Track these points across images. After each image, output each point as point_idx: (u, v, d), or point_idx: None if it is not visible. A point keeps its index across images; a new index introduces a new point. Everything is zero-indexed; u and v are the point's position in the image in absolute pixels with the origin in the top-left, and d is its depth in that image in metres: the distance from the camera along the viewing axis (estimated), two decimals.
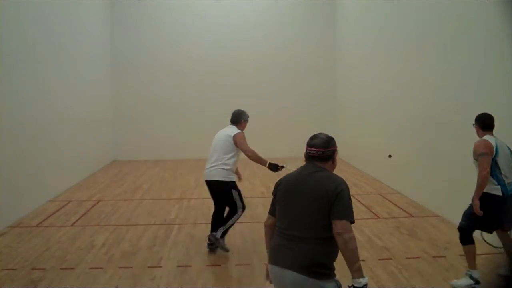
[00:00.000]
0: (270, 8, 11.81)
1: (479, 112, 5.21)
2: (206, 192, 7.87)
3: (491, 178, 3.78)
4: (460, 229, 3.91)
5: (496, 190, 3.76)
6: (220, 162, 4.85)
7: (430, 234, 5.29)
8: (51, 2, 7.51)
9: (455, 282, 3.88)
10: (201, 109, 11.67)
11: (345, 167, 10.17)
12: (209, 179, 4.82)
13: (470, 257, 3.88)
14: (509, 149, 3.92)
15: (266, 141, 11.79)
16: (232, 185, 4.72)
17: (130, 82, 11.52)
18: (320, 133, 2.58)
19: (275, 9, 11.82)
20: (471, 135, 5.25)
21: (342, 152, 11.25)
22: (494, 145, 3.80)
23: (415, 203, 6.70)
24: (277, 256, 2.37)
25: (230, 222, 4.73)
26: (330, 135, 2.61)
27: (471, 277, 3.83)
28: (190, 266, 4.40)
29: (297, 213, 2.36)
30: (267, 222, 2.59)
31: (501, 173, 3.79)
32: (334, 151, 2.53)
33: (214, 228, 4.77)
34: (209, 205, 6.79)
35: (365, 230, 5.47)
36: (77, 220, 6.01)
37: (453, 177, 5.69)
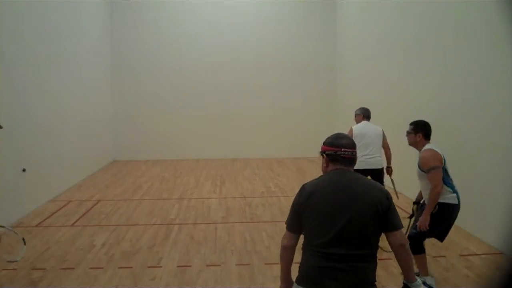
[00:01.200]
0: (270, 8, 11.81)
1: (479, 112, 5.21)
2: (206, 192, 7.93)
3: (445, 187, 3.65)
4: (410, 237, 3.64)
5: (453, 199, 3.66)
6: (380, 154, 5.51)
7: None
8: (51, 2, 7.51)
9: None
10: (201, 109, 11.67)
11: None
12: (373, 167, 5.33)
13: (423, 265, 3.82)
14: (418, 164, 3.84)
15: (266, 141, 11.82)
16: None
17: (130, 82, 11.52)
18: (341, 133, 2.34)
19: (275, 9, 11.82)
20: (471, 135, 5.27)
21: None
22: (441, 153, 3.76)
23: None
24: (319, 280, 2.04)
25: None
26: (327, 135, 2.37)
27: (424, 283, 3.65)
28: (190, 266, 4.40)
29: (344, 228, 2.03)
30: (289, 243, 2.17)
31: (451, 180, 3.71)
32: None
33: None
34: (209, 205, 6.81)
35: None
36: (77, 220, 6.01)
37: (453, 177, 5.68)
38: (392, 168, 5.73)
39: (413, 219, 3.96)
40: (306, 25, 11.89)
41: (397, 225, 2.09)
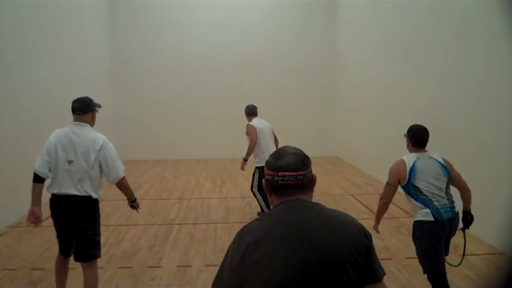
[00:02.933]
0: (270, 8, 11.82)
1: (479, 112, 5.20)
2: (206, 192, 7.94)
3: (416, 203, 3.36)
4: (430, 275, 3.44)
5: (427, 216, 3.28)
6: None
7: None
8: (51, 2, 7.51)
9: None
10: (201, 109, 11.68)
11: (345, 167, 10.17)
12: None
13: None
14: (443, 166, 3.48)
15: None
16: None
17: (130, 82, 11.53)
18: (287, 147, 1.61)
19: (275, 9, 11.82)
20: (471, 136, 5.27)
21: (342, 152, 11.33)
22: (409, 168, 3.39)
23: None
24: None
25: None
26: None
27: None
28: (190, 266, 4.40)
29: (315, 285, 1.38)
30: None
31: (425, 195, 3.33)
32: (311, 173, 1.57)
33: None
34: (209, 205, 6.81)
35: None
36: None
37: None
38: None
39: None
40: (306, 25, 11.89)
41: (380, 275, 1.54)
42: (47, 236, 5.33)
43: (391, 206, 6.66)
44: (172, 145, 11.64)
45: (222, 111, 11.66)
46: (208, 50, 11.62)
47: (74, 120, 3.37)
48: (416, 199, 3.36)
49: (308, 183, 1.54)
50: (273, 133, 6.20)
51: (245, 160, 6.00)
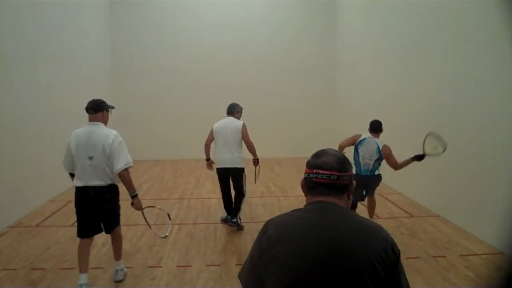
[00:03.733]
0: (270, 8, 11.81)
1: (479, 112, 5.25)
2: (206, 192, 7.93)
3: (354, 159, 5.30)
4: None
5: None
6: (238, 152, 5.51)
7: (430, 234, 5.29)
8: (51, 2, 7.51)
9: None
10: (201, 109, 11.66)
11: None
12: (231, 166, 5.47)
13: None
14: (378, 148, 5.19)
15: (266, 141, 11.78)
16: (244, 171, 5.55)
17: (130, 82, 11.52)
18: (328, 149, 1.62)
19: (275, 9, 11.82)
20: (471, 135, 5.27)
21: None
22: (360, 139, 5.37)
23: (415, 203, 6.70)
24: None
25: (243, 206, 5.59)
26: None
27: None
28: (190, 266, 4.41)
29: None
30: None
31: (359, 157, 5.25)
32: (351, 178, 1.57)
33: (231, 213, 5.56)
34: (209, 205, 6.81)
35: None
36: None
37: (453, 177, 5.70)
38: (258, 159, 5.76)
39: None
40: (306, 25, 11.89)
41: None
42: (47, 236, 5.34)
43: (391, 206, 6.69)
44: (172, 145, 11.64)
45: (222, 111, 11.61)
46: (208, 50, 11.61)
47: (89, 120, 3.88)
48: (355, 157, 5.31)
49: (343, 187, 1.52)
50: (245, 135, 5.54)
51: (206, 159, 6.01)
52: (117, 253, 4.10)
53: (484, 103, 5.04)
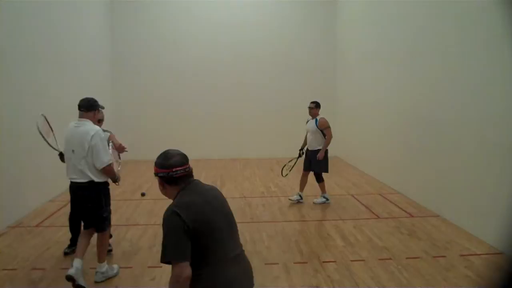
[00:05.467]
0: (270, 8, 11.81)
1: (479, 112, 5.24)
2: None
3: (322, 138, 6.64)
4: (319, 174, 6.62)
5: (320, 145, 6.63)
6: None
7: (430, 234, 5.29)
8: (51, 2, 7.51)
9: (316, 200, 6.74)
10: (201, 109, 11.68)
11: (345, 167, 10.17)
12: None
13: (324, 187, 6.80)
14: (316, 125, 6.66)
15: (266, 141, 11.81)
16: None
17: (130, 82, 11.52)
18: (169, 151, 2.26)
19: (275, 9, 11.82)
20: (471, 135, 5.27)
21: (342, 152, 11.32)
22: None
23: (415, 203, 6.70)
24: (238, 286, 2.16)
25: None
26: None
27: (325, 198, 6.74)
28: None
29: (228, 235, 2.19)
30: (187, 272, 1.96)
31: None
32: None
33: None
34: None
35: (365, 230, 5.47)
36: None
37: (453, 177, 5.69)
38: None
39: (297, 159, 7.05)
40: (306, 25, 11.88)
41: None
42: (47, 236, 5.34)
43: (391, 206, 6.69)
44: (172, 145, 11.50)
45: (222, 111, 11.66)
46: (208, 50, 11.62)
47: (79, 116, 3.99)
48: (322, 136, 6.59)
49: (189, 173, 2.22)
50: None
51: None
52: (99, 255, 4.10)
53: (485, 103, 5.03)
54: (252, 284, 2.32)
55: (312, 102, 6.83)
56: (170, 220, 2.04)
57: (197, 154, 11.61)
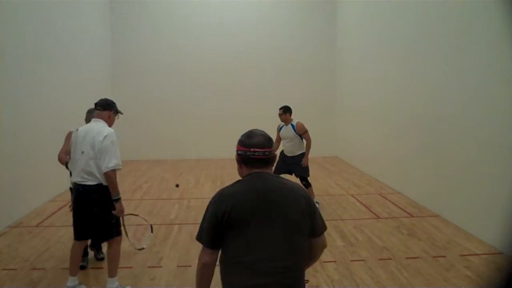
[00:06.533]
0: (270, 8, 11.81)
1: (479, 112, 5.25)
2: (206, 192, 7.93)
3: (301, 142, 6.26)
4: (305, 178, 6.20)
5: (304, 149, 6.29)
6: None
7: (430, 234, 5.29)
8: (51, 2, 7.51)
9: None
10: (201, 109, 11.68)
11: (345, 167, 10.17)
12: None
13: (311, 192, 6.15)
14: (294, 130, 6.23)
15: None
16: None
17: (130, 82, 11.52)
18: (255, 129, 2.06)
19: (275, 9, 11.82)
20: (471, 135, 5.27)
21: (342, 152, 11.32)
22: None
23: (415, 203, 6.70)
24: None
25: None
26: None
27: (317, 202, 6.04)
28: (190, 266, 4.40)
29: (276, 240, 1.84)
30: (208, 259, 1.92)
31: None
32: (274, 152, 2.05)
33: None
34: None
35: (365, 230, 5.47)
36: None
37: (453, 177, 5.69)
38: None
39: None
40: (306, 25, 11.89)
41: (323, 227, 2.01)
42: (47, 236, 5.34)
43: (391, 206, 6.68)
44: (172, 145, 11.64)
45: (222, 111, 11.65)
46: (208, 50, 11.62)
47: (95, 117, 3.83)
48: (300, 140, 6.27)
49: (269, 159, 1.98)
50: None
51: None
52: (110, 269, 3.75)
53: (485, 103, 5.03)
54: None
55: (280, 108, 6.31)
56: (209, 206, 2.00)
57: (197, 154, 11.65)
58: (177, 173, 9.65)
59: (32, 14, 6.76)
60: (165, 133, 11.61)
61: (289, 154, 6.31)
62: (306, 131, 6.23)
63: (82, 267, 4.26)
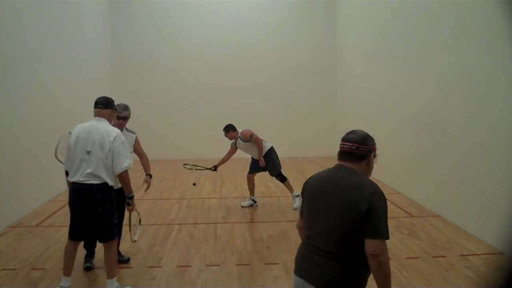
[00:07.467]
0: (270, 8, 11.82)
1: (479, 112, 5.25)
2: (206, 192, 7.94)
3: (264, 143, 6.49)
4: (280, 174, 6.52)
5: (268, 145, 6.59)
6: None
7: (430, 234, 5.29)
8: (50, 2, 7.51)
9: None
10: (201, 109, 11.68)
11: None
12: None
13: (290, 186, 6.53)
14: (243, 140, 6.45)
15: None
16: None
17: (130, 82, 11.52)
18: (358, 130, 2.26)
19: (275, 9, 11.82)
20: (471, 136, 5.27)
21: None
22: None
23: (415, 203, 6.70)
24: (302, 268, 2.14)
25: None
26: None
27: (298, 196, 6.18)
28: (190, 266, 4.40)
29: (324, 224, 2.08)
30: (298, 224, 2.35)
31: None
32: (370, 151, 2.16)
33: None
34: (209, 205, 6.81)
35: None
36: None
37: (453, 177, 5.69)
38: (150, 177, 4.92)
39: (205, 169, 6.83)
40: (306, 25, 11.89)
41: (372, 233, 1.94)
42: (47, 236, 5.34)
43: (391, 206, 6.67)
44: (172, 145, 11.63)
45: (222, 111, 11.63)
46: (208, 50, 11.62)
47: (95, 115, 3.78)
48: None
49: (360, 155, 2.13)
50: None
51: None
52: (109, 271, 3.73)
53: (484, 103, 5.03)
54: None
55: (223, 130, 6.50)
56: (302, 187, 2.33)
57: (197, 154, 11.63)
58: (177, 173, 9.66)
59: (32, 14, 6.76)
60: (165, 133, 11.60)
61: (255, 156, 6.56)
62: (251, 135, 6.36)
63: (89, 268, 4.26)
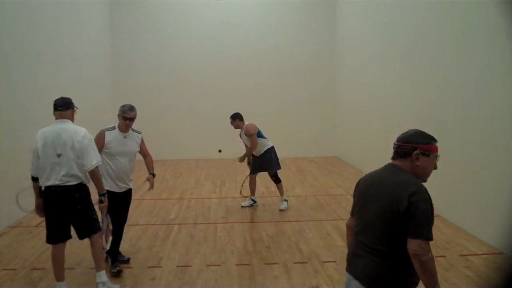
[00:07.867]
0: (270, 8, 11.82)
1: (479, 112, 5.25)
2: (206, 192, 7.94)
3: (265, 142, 6.49)
4: (275, 175, 6.50)
5: (269, 143, 6.54)
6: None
7: None
8: (50, 2, 7.51)
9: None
10: (201, 109, 11.68)
11: (345, 167, 10.17)
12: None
13: (281, 189, 6.53)
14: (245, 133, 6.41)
15: None
16: None
17: (130, 82, 11.52)
18: (413, 128, 2.34)
19: (275, 9, 11.82)
20: (471, 136, 5.27)
21: (342, 152, 11.32)
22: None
23: None
24: (349, 263, 2.22)
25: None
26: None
27: (285, 200, 6.51)
28: (190, 266, 4.40)
29: (369, 221, 2.12)
30: (348, 223, 2.37)
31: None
32: (413, 148, 2.14)
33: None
34: (209, 205, 6.81)
35: None
36: None
37: (453, 177, 5.69)
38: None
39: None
40: (306, 25, 11.89)
41: (413, 233, 1.93)
42: None
43: None
44: (172, 145, 11.63)
45: (222, 111, 11.61)
46: (208, 50, 11.62)
47: (57, 118, 3.80)
48: (263, 137, 6.47)
49: (402, 153, 2.17)
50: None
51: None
52: (96, 263, 3.77)
53: (485, 103, 5.03)
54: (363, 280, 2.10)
55: (229, 118, 6.66)
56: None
57: (197, 154, 11.65)
58: (177, 173, 9.66)
59: (32, 14, 6.76)
60: (165, 133, 11.60)
61: (256, 155, 6.51)
62: (251, 135, 6.30)
63: (119, 272, 4.16)
